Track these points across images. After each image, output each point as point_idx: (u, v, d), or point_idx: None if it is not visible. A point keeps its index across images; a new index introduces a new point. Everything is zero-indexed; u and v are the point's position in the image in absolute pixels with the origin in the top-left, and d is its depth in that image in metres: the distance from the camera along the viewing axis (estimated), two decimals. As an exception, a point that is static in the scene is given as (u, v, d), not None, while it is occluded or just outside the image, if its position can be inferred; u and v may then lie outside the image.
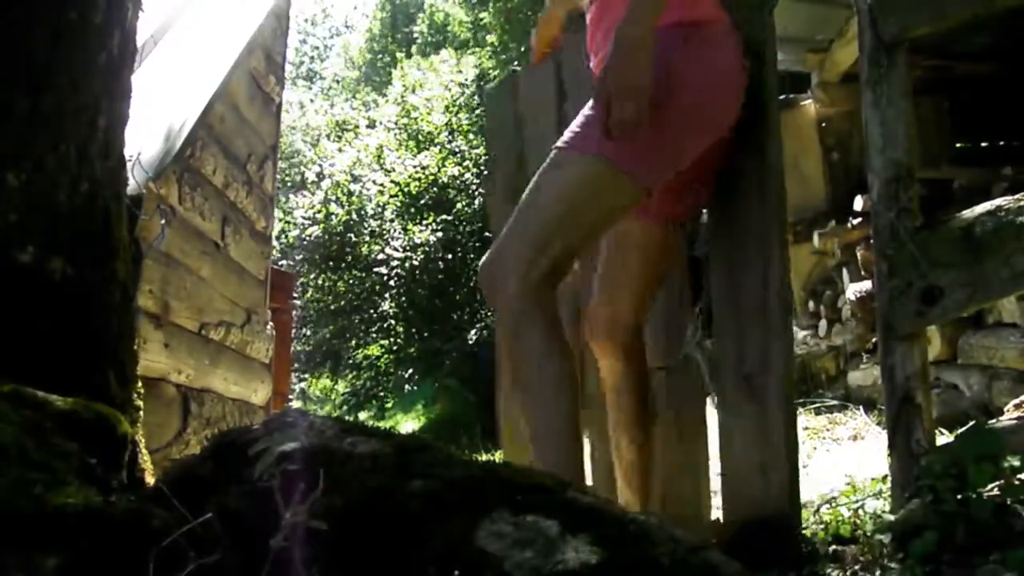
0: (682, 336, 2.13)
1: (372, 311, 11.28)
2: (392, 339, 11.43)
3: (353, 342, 12.03)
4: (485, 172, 8.85)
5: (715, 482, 2.00)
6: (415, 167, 11.20)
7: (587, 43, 1.87)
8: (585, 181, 1.64)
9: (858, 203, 4.57)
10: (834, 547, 1.73)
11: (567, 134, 1.69)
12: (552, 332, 1.62)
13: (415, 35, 18.58)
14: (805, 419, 4.16)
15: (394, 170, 11.32)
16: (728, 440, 1.84)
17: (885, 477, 2.01)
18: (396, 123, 12.32)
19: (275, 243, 6.96)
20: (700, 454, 2.13)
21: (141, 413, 1.92)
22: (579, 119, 1.70)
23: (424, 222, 10.73)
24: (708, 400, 2.14)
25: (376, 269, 10.73)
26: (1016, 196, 1.76)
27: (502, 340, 1.70)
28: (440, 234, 10.47)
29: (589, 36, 1.85)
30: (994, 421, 1.93)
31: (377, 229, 11.14)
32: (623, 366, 1.94)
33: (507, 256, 1.65)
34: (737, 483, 1.82)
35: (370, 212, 11.29)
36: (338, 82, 23.73)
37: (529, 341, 1.61)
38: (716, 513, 2.02)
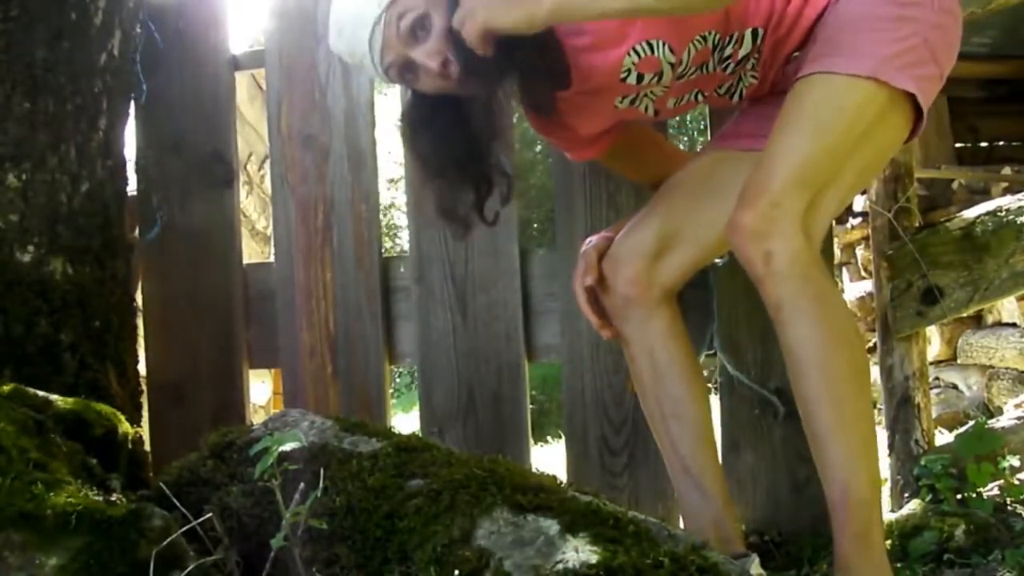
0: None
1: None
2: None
3: (353, 342, 12.00)
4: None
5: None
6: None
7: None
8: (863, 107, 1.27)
9: (858, 203, 4.56)
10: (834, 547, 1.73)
11: (824, 57, 1.28)
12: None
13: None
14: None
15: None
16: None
17: (884, 478, 2.01)
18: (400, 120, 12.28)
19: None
20: None
21: (142, 413, 1.92)
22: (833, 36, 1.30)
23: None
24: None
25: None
26: (1016, 196, 1.76)
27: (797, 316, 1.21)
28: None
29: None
30: (994, 421, 1.92)
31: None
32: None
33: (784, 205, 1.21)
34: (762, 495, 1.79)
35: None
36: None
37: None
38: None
